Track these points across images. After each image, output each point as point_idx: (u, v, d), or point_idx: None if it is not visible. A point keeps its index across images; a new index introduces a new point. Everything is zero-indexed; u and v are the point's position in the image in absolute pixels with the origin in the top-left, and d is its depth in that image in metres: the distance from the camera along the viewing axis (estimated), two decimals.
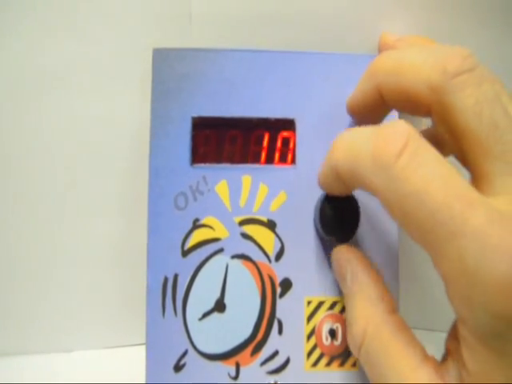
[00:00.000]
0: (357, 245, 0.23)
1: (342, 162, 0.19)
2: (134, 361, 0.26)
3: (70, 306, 0.28)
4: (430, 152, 0.16)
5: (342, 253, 0.22)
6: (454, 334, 0.17)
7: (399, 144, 0.16)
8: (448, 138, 0.18)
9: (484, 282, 0.15)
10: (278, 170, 0.24)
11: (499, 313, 0.15)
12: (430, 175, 0.16)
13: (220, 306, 0.23)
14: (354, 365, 0.23)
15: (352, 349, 0.20)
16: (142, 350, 0.23)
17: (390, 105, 0.21)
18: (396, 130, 0.17)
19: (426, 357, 0.18)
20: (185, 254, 0.23)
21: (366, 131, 0.18)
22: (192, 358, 0.23)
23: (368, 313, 0.19)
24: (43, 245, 0.27)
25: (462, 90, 0.17)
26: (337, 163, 0.19)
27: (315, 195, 0.23)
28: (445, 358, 0.18)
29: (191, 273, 0.23)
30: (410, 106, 0.19)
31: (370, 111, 0.22)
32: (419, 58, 0.19)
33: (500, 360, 0.15)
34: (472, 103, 0.17)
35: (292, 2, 0.26)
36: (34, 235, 0.27)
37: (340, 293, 0.23)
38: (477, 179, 0.17)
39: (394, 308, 0.20)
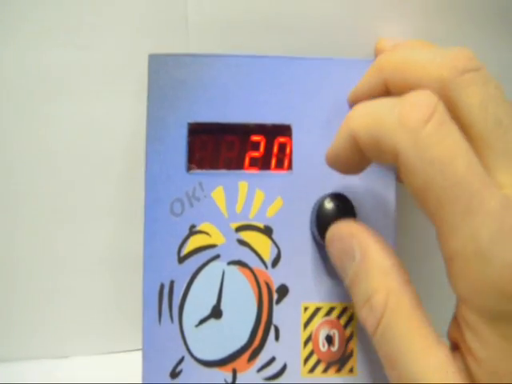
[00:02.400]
0: None
1: (362, 130, 0.18)
2: (130, 367, 0.26)
3: (67, 312, 0.28)
4: (454, 125, 0.17)
5: (344, 228, 0.20)
6: (456, 325, 0.17)
7: (427, 110, 0.16)
8: None
9: (496, 264, 0.15)
10: (274, 175, 0.24)
11: (509, 294, 0.15)
12: (456, 147, 0.16)
13: (216, 313, 0.23)
14: (351, 371, 0.23)
15: (369, 325, 0.18)
16: (139, 355, 0.23)
17: None
18: (424, 97, 0.17)
19: (438, 337, 0.17)
20: (181, 260, 0.23)
21: (388, 100, 0.18)
22: (188, 365, 0.23)
23: (388, 283, 0.18)
24: (39, 251, 0.27)
25: (469, 86, 0.17)
26: (355, 132, 0.18)
27: (312, 201, 0.23)
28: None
29: (187, 279, 0.23)
30: None
31: None
32: (427, 56, 0.19)
33: (510, 346, 0.15)
34: (478, 100, 0.17)
35: (289, 7, 0.26)
36: (30, 242, 0.27)
37: (337, 298, 0.23)
38: None
39: (409, 278, 0.19)
